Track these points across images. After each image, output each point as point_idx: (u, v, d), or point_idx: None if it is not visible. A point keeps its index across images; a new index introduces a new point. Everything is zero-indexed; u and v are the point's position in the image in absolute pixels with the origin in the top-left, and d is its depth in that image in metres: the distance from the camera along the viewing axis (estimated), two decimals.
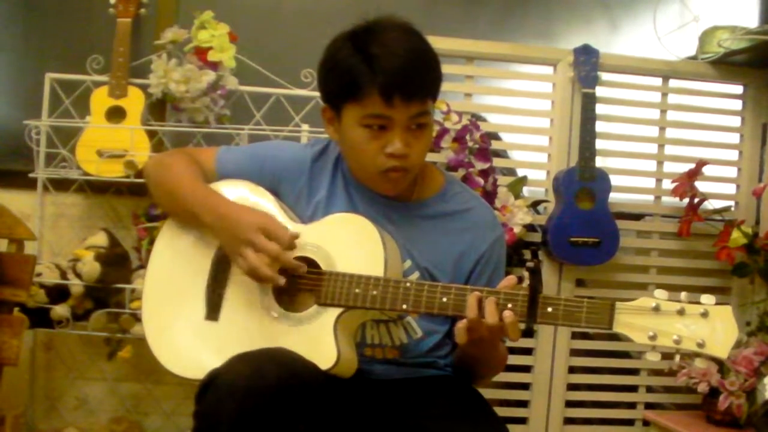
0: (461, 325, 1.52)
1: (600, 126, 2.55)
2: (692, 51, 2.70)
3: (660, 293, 1.45)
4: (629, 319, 1.45)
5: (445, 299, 1.55)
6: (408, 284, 1.57)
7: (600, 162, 2.51)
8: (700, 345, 1.40)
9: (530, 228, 2.51)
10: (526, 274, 2.46)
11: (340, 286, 1.58)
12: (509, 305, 1.50)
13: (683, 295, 1.44)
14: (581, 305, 1.48)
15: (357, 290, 1.57)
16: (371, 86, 1.57)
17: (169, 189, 1.75)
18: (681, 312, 1.42)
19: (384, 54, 1.57)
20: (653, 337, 1.42)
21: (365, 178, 1.71)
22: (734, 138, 2.73)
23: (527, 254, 2.54)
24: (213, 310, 1.68)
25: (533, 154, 2.67)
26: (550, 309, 1.49)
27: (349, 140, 1.66)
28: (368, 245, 1.61)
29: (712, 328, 1.41)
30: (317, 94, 1.74)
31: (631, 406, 2.68)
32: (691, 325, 1.41)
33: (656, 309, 1.43)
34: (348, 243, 1.63)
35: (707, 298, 1.43)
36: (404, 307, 1.56)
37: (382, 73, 1.56)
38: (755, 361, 2.35)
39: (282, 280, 1.59)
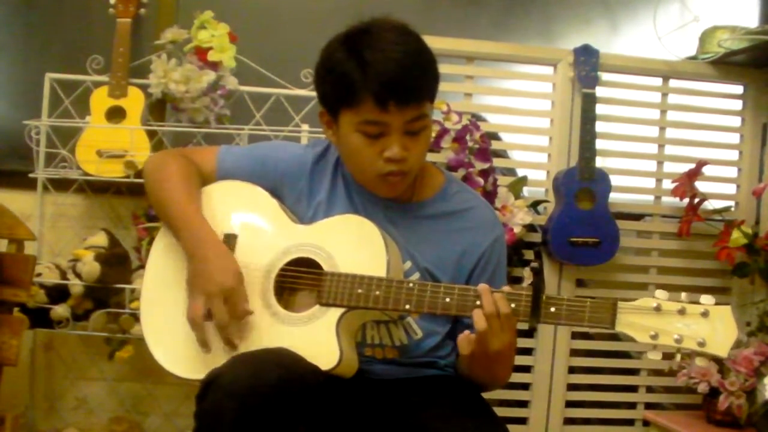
0: (462, 336, 1.53)
1: (600, 126, 2.55)
2: (692, 51, 2.70)
3: (660, 293, 1.46)
4: (631, 319, 1.46)
5: (448, 299, 1.55)
6: (411, 284, 1.57)
7: (600, 162, 2.51)
8: (701, 344, 1.41)
9: (530, 228, 2.51)
10: (526, 273, 2.48)
11: (343, 287, 1.58)
12: (513, 305, 1.51)
13: (683, 295, 1.45)
14: (584, 305, 1.49)
15: (360, 290, 1.57)
16: (366, 93, 1.56)
17: (161, 200, 1.74)
18: (682, 312, 1.43)
19: (378, 59, 1.56)
20: (655, 337, 1.43)
21: (364, 181, 1.71)
22: (734, 138, 2.73)
23: (529, 254, 2.54)
24: None
25: (533, 154, 2.67)
26: (553, 309, 1.50)
27: (347, 145, 1.66)
28: (370, 246, 1.61)
29: (712, 328, 1.42)
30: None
31: (631, 406, 2.68)
32: (691, 325, 1.43)
33: (657, 309, 1.44)
34: (350, 244, 1.63)
35: (707, 299, 1.45)
36: (407, 307, 1.57)
37: (376, 79, 1.55)
38: (755, 361, 2.35)
39: (207, 348, 1.60)
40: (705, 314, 1.42)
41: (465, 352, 1.54)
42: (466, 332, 1.54)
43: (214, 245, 1.65)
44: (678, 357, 1.46)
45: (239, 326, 1.60)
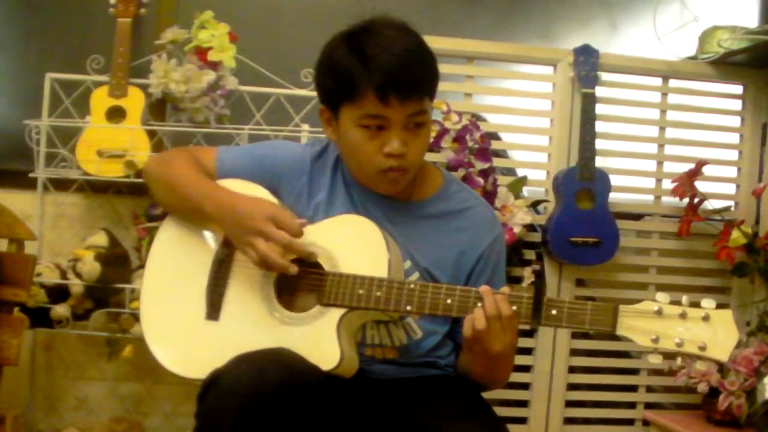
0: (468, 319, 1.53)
1: (600, 126, 2.55)
2: (692, 51, 2.70)
3: (662, 297, 1.46)
4: (632, 322, 1.46)
5: (449, 301, 1.55)
6: (412, 285, 1.57)
7: (600, 162, 2.51)
8: (702, 348, 1.42)
9: (530, 228, 2.51)
10: (526, 273, 2.48)
11: (344, 287, 1.58)
12: (514, 307, 1.51)
13: (684, 298, 1.45)
14: (585, 308, 1.49)
15: (361, 291, 1.57)
16: (367, 86, 1.57)
17: (172, 184, 1.74)
18: (683, 315, 1.44)
19: (379, 54, 1.57)
20: (656, 340, 1.44)
21: (364, 178, 1.71)
22: (734, 138, 2.73)
23: (529, 254, 2.54)
24: (214, 310, 1.67)
25: (533, 154, 2.67)
26: (554, 311, 1.50)
27: (347, 141, 1.66)
28: (372, 247, 1.61)
29: (713, 332, 1.42)
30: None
31: (631, 406, 2.68)
32: (692, 329, 1.43)
33: (659, 312, 1.45)
34: (351, 244, 1.64)
35: (708, 302, 1.45)
36: (408, 308, 1.57)
37: (378, 72, 1.56)
38: (755, 361, 2.35)
39: (295, 269, 1.59)
40: (706, 318, 1.43)
41: (468, 334, 1.53)
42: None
43: (235, 196, 1.66)
44: (679, 358, 1.46)
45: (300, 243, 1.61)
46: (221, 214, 1.65)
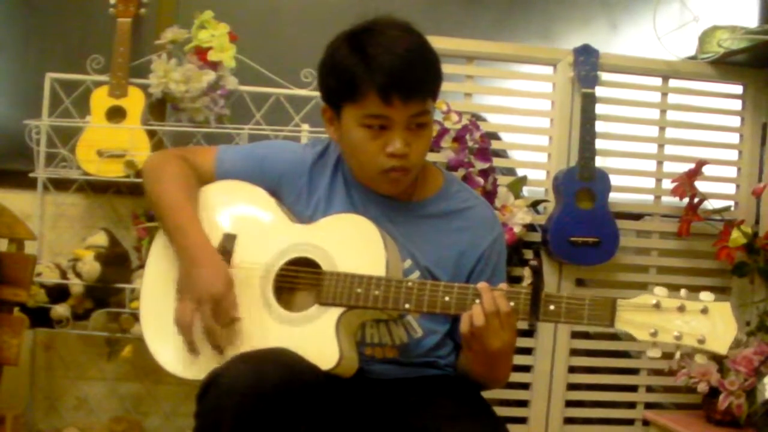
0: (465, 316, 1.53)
1: (600, 126, 2.55)
2: (692, 51, 2.70)
3: (660, 290, 1.46)
4: (630, 316, 1.46)
5: (447, 298, 1.55)
6: (410, 284, 1.57)
7: (600, 162, 2.51)
8: (701, 341, 1.42)
9: (530, 228, 2.51)
10: (526, 272, 2.48)
11: (342, 286, 1.58)
12: (512, 303, 1.51)
13: (683, 292, 1.45)
14: (583, 303, 1.49)
15: (359, 290, 1.57)
16: (369, 86, 1.57)
17: (157, 203, 1.74)
18: (681, 309, 1.43)
19: (382, 54, 1.57)
20: (654, 334, 1.43)
21: (366, 178, 1.71)
22: (734, 138, 2.73)
23: (529, 253, 2.54)
24: None
25: (533, 154, 2.67)
26: (552, 307, 1.50)
27: (349, 140, 1.66)
28: (369, 246, 1.61)
29: (712, 324, 1.42)
30: (317, 93, 1.74)
31: (631, 405, 2.68)
32: (691, 322, 1.43)
33: (657, 306, 1.44)
34: (349, 243, 1.63)
35: (706, 295, 1.44)
36: (407, 306, 1.57)
37: (380, 73, 1.56)
38: (755, 360, 2.35)
39: (194, 351, 1.61)
40: (704, 311, 1.42)
41: (465, 331, 1.53)
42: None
43: (205, 250, 1.64)
44: (677, 355, 1.46)
45: (227, 332, 1.60)
46: (182, 255, 1.65)
